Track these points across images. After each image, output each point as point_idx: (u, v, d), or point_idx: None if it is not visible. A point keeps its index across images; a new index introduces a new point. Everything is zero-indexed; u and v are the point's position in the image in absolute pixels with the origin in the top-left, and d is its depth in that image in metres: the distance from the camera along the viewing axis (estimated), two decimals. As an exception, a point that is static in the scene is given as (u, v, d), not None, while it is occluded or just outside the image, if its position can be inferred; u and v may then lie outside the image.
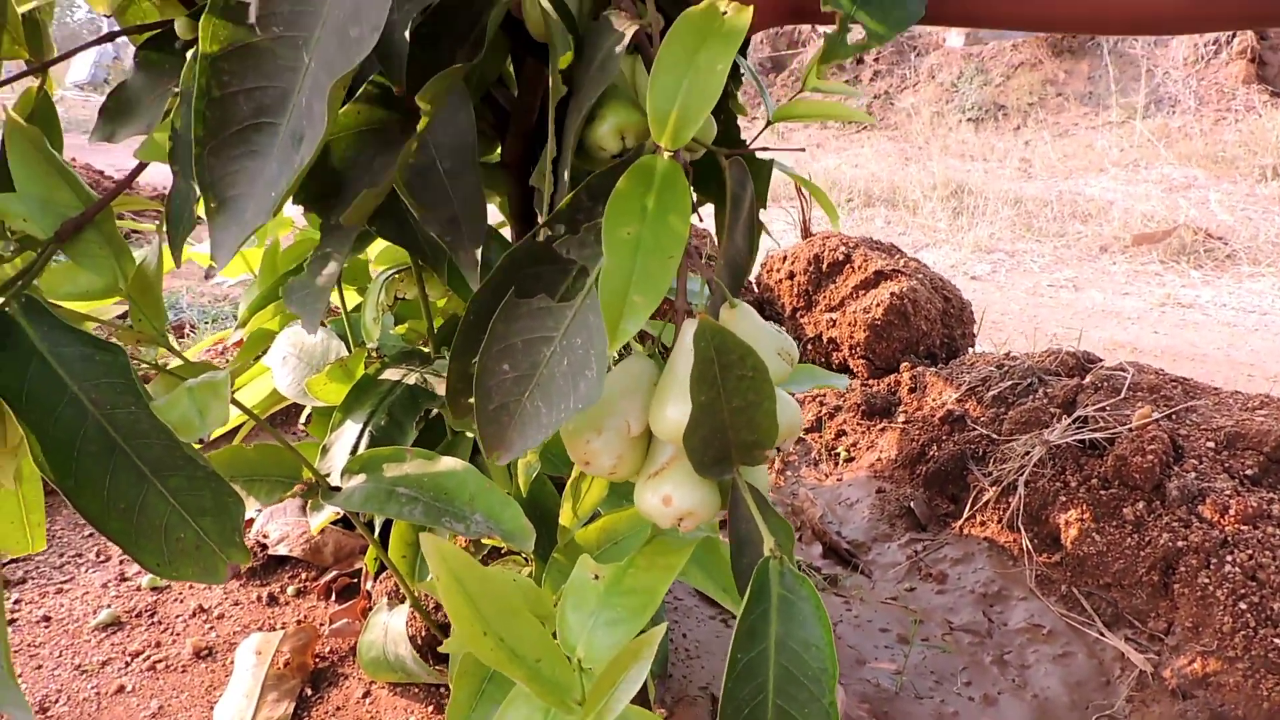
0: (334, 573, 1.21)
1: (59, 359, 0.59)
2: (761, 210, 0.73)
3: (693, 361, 0.39)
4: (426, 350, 1.03)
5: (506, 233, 1.00)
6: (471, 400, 0.47)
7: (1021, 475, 1.37)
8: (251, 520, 1.29)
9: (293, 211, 0.99)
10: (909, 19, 0.50)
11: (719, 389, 0.40)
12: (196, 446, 0.60)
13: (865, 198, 5.42)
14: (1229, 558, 1.12)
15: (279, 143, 0.43)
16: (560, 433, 0.46)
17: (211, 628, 1.13)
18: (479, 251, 0.61)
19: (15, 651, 1.06)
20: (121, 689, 1.02)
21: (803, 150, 0.69)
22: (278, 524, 1.27)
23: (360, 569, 1.21)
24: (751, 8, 0.43)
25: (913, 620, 1.23)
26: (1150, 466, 1.25)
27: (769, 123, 0.98)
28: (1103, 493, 1.27)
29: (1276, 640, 1.03)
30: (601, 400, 0.44)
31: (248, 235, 0.43)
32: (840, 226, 1.15)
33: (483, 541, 0.97)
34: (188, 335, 2.25)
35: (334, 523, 1.25)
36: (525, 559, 0.98)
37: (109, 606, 1.16)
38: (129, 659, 1.07)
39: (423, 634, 1.00)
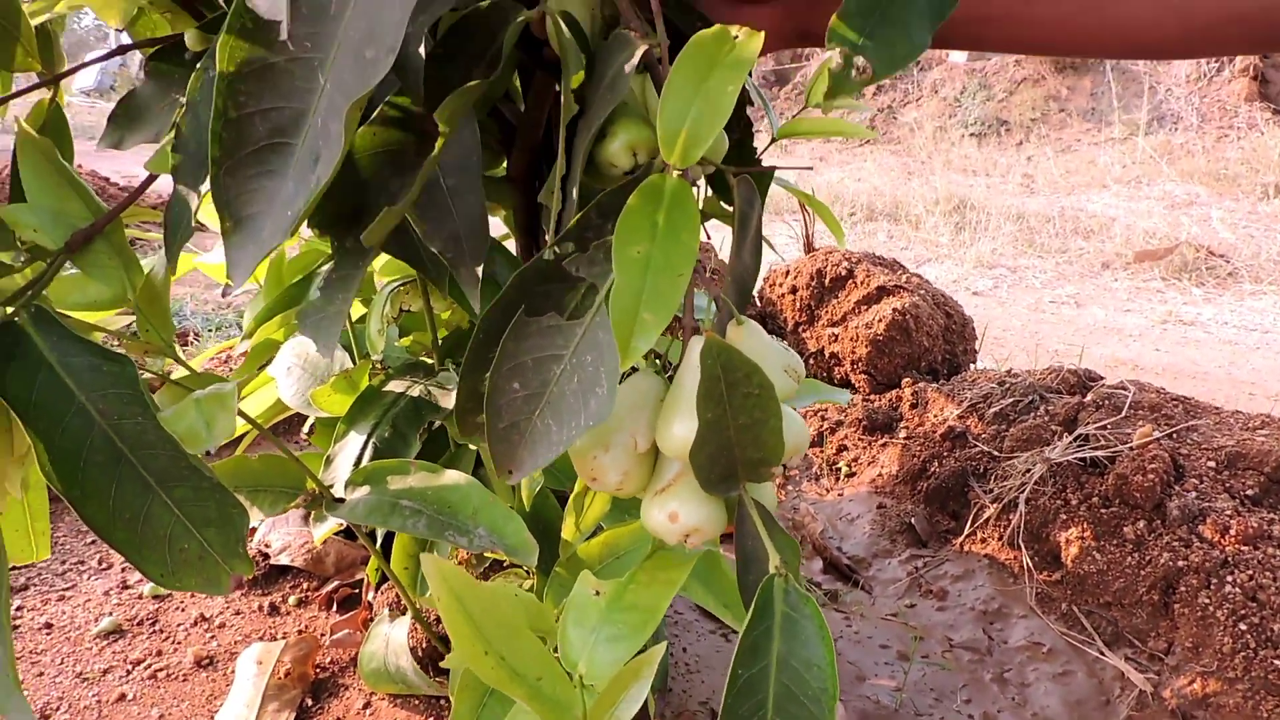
0: (335, 583, 1.21)
1: (67, 369, 0.59)
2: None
3: (699, 378, 0.39)
4: (430, 362, 1.03)
5: (509, 245, 1.00)
6: (480, 418, 0.47)
7: (1022, 493, 1.37)
8: (253, 530, 1.29)
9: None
10: (913, 53, 0.50)
11: (725, 406, 0.40)
12: (201, 456, 0.60)
13: (868, 212, 5.43)
14: (1229, 578, 1.12)
15: (295, 162, 0.43)
16: (569, 450, 0.46)
17: (213, 637, 1.13)
18: (480, 268, 0.62)
19: (18, 658, 1.07)
20: (123, 697, 1.02)
21: (810, 169, 0.70)
22: (280, 533, 1.27)
23: (362, 579, 1.21)
24: (762, 34, 0.44)
25: (913, 637, 1.23)
26: (1151, 485, 1.25)
27: (773, 139, 0.99)
28: (1103, 511, 1.28)
29: (1276, 662, 1.03)
30: (609, 417, 0.44)
31: (265, 254, 0.43)
32: (844, 241, 1.15)
33: (485, 554, 0.97)
34: (191, 343, 2.25)
35: (336, 533, 1.25)
36: (527, 572, 0.98)
37: (111, 614, 1.16)
38: (130, 667, 1.07)
39: (424, 645, 1.00)
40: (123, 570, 1.27)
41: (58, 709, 1.00)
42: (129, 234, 0.76)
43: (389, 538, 1.01)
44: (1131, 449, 1.32)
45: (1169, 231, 4.66)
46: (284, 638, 1.12)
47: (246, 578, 1.28)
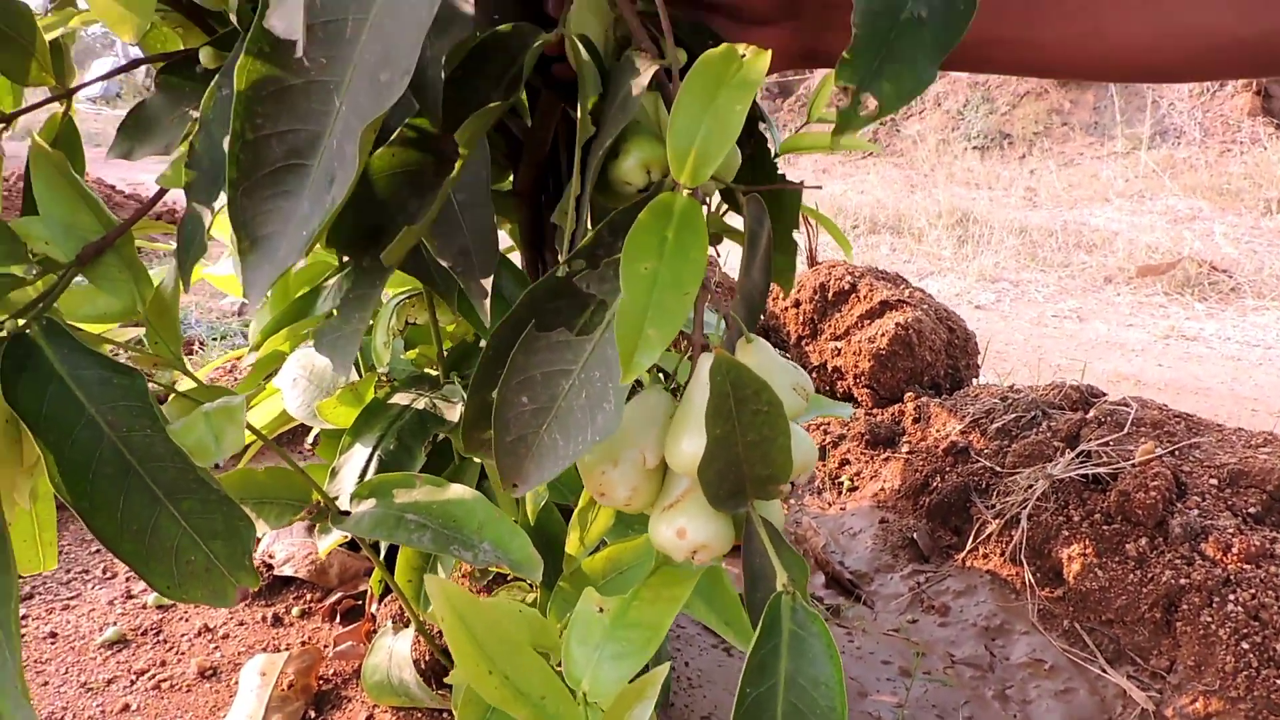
0: (339, 594, 1.22)
1: (77, 381, 0.60)
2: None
3: (709, 395, 0.39)
4: (435, 374, 1.04)
5: (514, 257, 1.01)
6: (487, 434, 0.48)
7: (1024, 509, 1.37)
8: (257, 540, 1.30)
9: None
10: (920, 87, 0.51)
11: (734, 423, 0.41)
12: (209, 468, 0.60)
13: (870, 225, 5.43)
14: (1231, 597, 1.12)
15: (311, 183, 0.43)
16: (578, 464, 0.46)
17: (216, 647, 1.13)
18: (489, 282, 0.62)
19: (23, 668, 1.07)
20: (126, 708, 1.02)
21: (819, 187, 0.70)
22: (283, 544, 1.27)
23: (365, 591, 1.21)
24: (769, 53, 0.44)
25: (915, 653, 1.24)
26: (1153, 503, 1.25)
27: (776, 154, 0.99)
28: (1105, 528, 1.28)
29: (1279, 681, 1.03)
30: (618, 432, 0.44)
31: (281, 273, 0.43)
32: (851, 255, 1.16)
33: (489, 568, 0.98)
34: (196, 352, 2.26)
35: (340, 545, 1.25)
36: (530, 585, 0.98)
37: (115, 624, 1.17)
38: (134, 677, 1.07)
39: (427, 658, 1.00)
40: (127, 580, 1.28)
41: (63, 719, 1.00)
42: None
43: (392, 550, 1.01)
44: (1134, 466, 1.32)
45: (1171, 246, 4.66)
46: (287, 649, 1.12)
47: (252, 590, 1.28)
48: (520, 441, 0.46)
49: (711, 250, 0.60)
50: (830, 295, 2.08)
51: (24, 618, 1.18)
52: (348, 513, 0.81)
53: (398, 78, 0.41)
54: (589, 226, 0.52)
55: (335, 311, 0.57)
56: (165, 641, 1.14)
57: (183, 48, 0.93)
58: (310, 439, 1.55)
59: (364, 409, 0.96)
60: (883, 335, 1.92)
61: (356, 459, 0.92)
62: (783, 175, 0.73)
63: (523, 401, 0.46)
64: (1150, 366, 3.01)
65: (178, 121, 0.73)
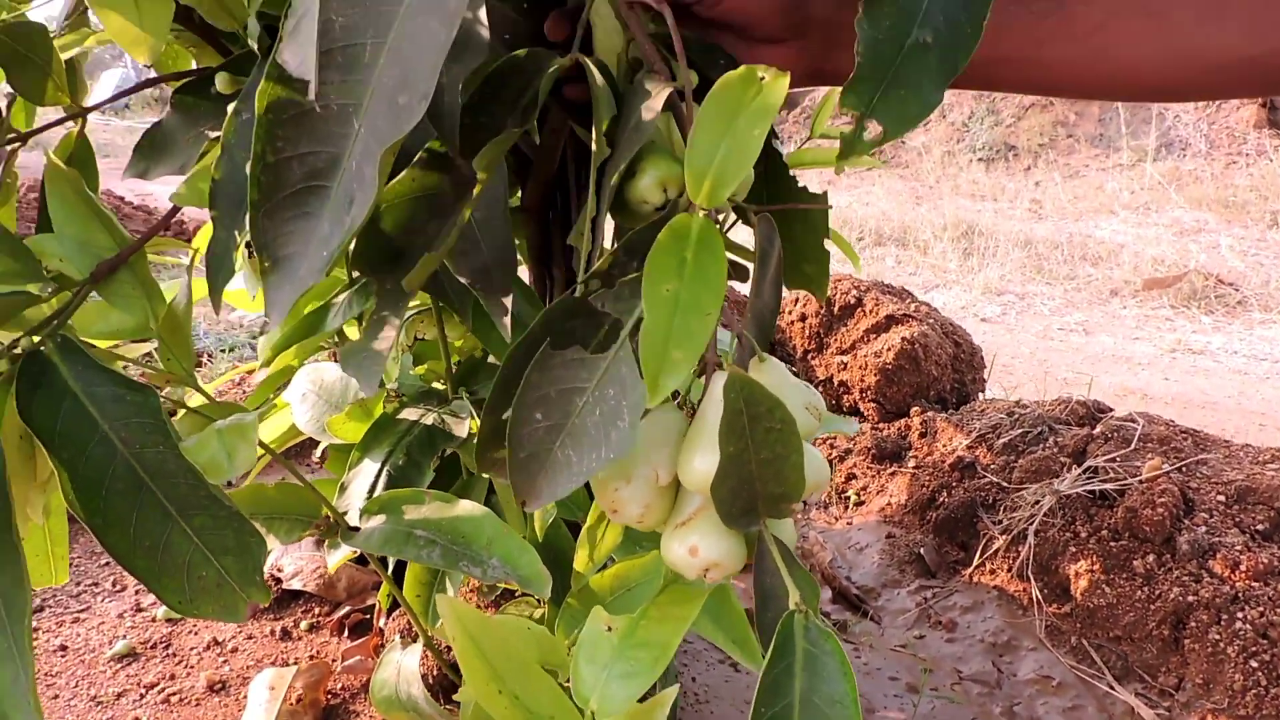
0: (347, 608, 1.22)
1: (91, 398, 0.60)
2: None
3: (722, 413, 0.39)
4: (444, 390, 1.04)
5: (521, 271, 1.01)
6: (501, 454, 0.48)
7: (1031, 524, 1.37)
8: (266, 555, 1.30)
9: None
10: (925, 112, 0.51)
11: (747, 440, 0.41)
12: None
13: (876, 237, 5.44)
14: (1240, 614, 1.12)
15: (331, 204, 0.44)
16: (591, 481, 0.47)
17: (225, 661, 1.14)
18: (510, 300, 0.63)
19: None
20: (134, 721, 1.03)
21: (830, 208, 0.70)
22: (292, 558, 1.28)
23: (373, 605, 1.21)
24: (788, 75, 0.44)
25: (922, 669, 1.23)
26: (1161, 519, 1.25)
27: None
28: (1113, 544, 1.28)
29: (1287, 699, 1.03)
30: (630, 450, 0.45)
31: (301, 293, 0.44)
32: (860, 268, 1.16)
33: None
34: (205, 364, 2.27)
35: (348, 559, 1.25)
36: (538, 600, 0.98)
37: (124, 637, 1.17)
38: (144, 691, 1.08)
39: (435, 673, 1.00)
40: (136, 593, 1.28)
41: (70, 732, 1.01)
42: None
43: (401, 564, 1.01)
44: (1141, 482, 1.32)
45: (1177, 259, 4.66)
46: (296, 663, 1.12)
47: (263, 605, 1.29)
48: (533, 458, 0.46)
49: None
50: (836, 309, 2.09)
51: (35, 630, 1.18)
52: (357, 528, 0.81)
53: (416, 101, 0.41)
54: (605, 247, 0.53)
55: (360, 333, 0.58)
56: (174, 655, 1.14)
57: (194, 65, 0.94)
58: (318, 452, 1.56)
59: (373, 424, 0.96)
60: (889, 350, 1.92)
61: (365, 474, 0.93)
62: (804, 188, 0.73)
63: (536, 419, 0.46)
64: (1157, 380, 3.01)
65: (193, 141, 0.74)
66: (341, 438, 1.00)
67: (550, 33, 0.58)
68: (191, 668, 1.13)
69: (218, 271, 0.62)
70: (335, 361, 1.10)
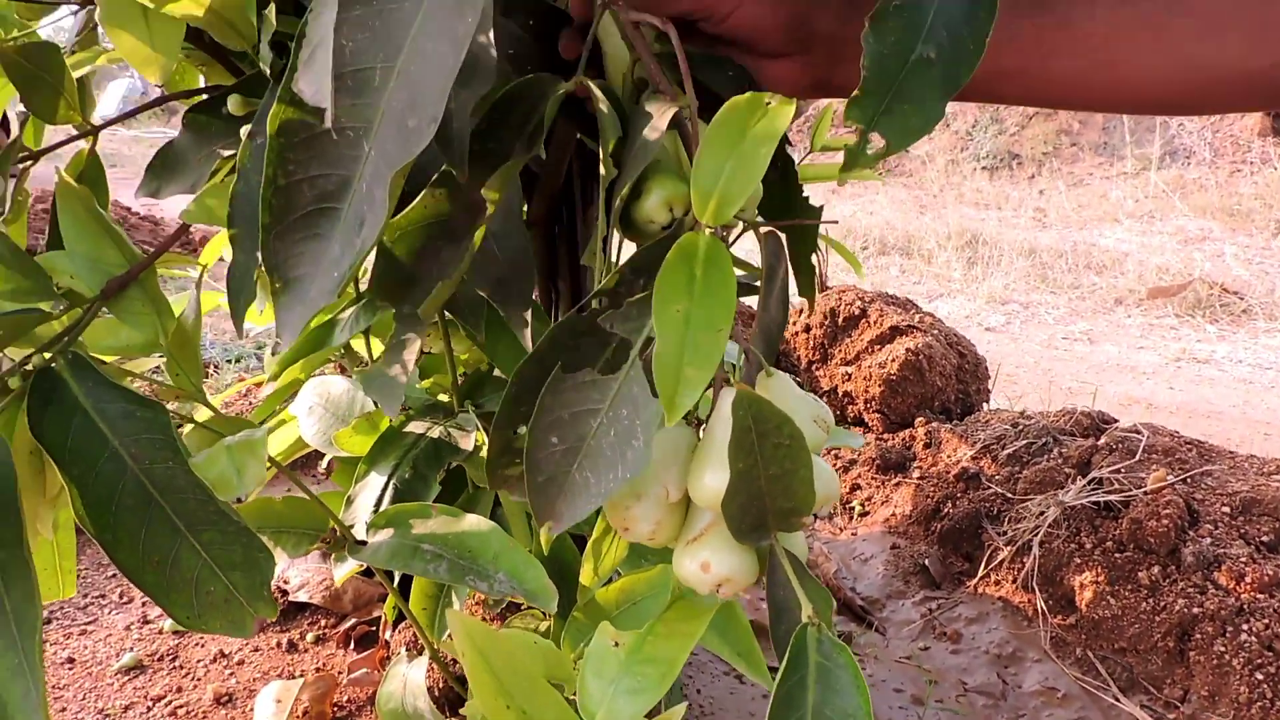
0: (353, 620, 1.22)
1: (102, 415, 0.61)
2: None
3: (731, 430, 0.40)
4: (450, 403, 1.04)
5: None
6: (511, 471, 0.49)
7: (1036, 535, 1.37)
8: (271, 565, 1.30)
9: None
10: (929, 125, 0.51)
11: (757, 456, 0.41)
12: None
13: (880, 246, 5.44)
14: (1245, 626, 1.12)
15: (341, 226, 0.44)
16: (601, 500, 0.47)
17: (232, 674, 1.14)
18: (529, 312, 0.63)
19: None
20: (141, 733, 1.03)
21: (835, 223, 0.71)
22: (298, 570, 1.28)
23: (379, 617, 1.22)
24: (794, 103, 0.45)
25: (927, 681, 1.23)
26: (1165, 531, 1.25)
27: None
28: (1118, 556, 1.28)
29: (1293, 712, 1.03)
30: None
31: (313, 314, 0.44)
32: (863, 275, 1.17)
33: (502, 595, 0.98)
34: (211, 375, 2.28)
35: (355, 571, 1.26)
36: (543, 613, 0.99)
37: (132, 650, 1.17)
38: (151, 703, 1.08)
39: (441, 685, 1.01)
40: (143, 605, 1.29)
41: (78, 744, 1.01)
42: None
43: (407, 577, 1.01)
44: (1145, 493, 1.32)
45: (1182, 267, 4.65)
46: (302, 675, 1.13)
47: (270, 620, 1.29)
48: (552, 482, 0.46)
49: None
50: (841, 320, 2.09)
51: (42, 642, 1.18)
52: (364, 542, 0.81)
53: (425, 124, 0.42)
54: (613, 265, 0.53)
55: (381, 356, 0.59)
56: (181, 667, 1.15)
57: (203, 82, 0.95)
58: (324, 464, 1.56)
59: (379, 437, 0.97)
60: (893, 360, 1.92)
61: (372, 487, 0.93)
62: (807, 198, 0.74)
63: (553, 442, 0.46)
64: (1162, 390, 3.01)
65: (204, 160, 0.74)
66: (349, 451, 1.00)
67: (564, 52, 0.59)
68: (198, 680, 1.13)
69: (239, 295, 0.62)
70: (342, 374, 1.10)
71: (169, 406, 0.72)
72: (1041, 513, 1.40)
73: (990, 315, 4.08)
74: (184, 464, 0.60)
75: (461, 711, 0.97)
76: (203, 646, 1.20)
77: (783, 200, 0.69)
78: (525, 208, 0.93)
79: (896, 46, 0.51)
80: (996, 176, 7.42)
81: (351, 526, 0.85)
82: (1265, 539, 1.24)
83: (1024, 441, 1.59)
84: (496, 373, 1.03)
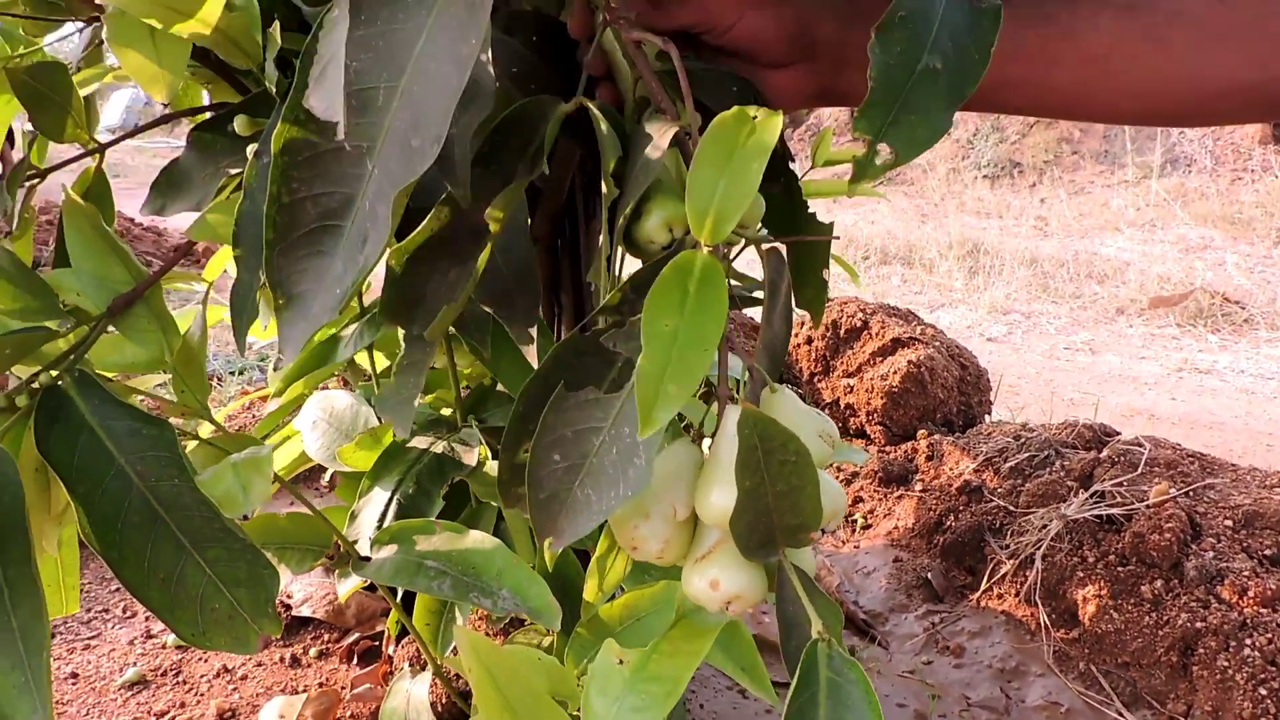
0: (356, 635, 1.22)
1: (108, 432, 0.61)
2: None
3: (737, 448, 0.40)
4: (453, 417, 1.05)
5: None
6: (522, 490, 0.49)
7: (1039, 549, 1.37)
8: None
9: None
10: (935, 136, 0.52)
11: (763, 474, 0.41)
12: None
13: (882, 255, 5.44)
14: (1248, 641, 1.11)
15: (344, 243, 0.45)
16: (609, 520, 0.47)
17: (235, 689, 1.14)
18: (534, 328, 0.64)
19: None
20: (145, 749, 1.03)
21: (837, 238, 0.71)
22: (301, 584, 1.28)
23: (382, 632, 1.22)
24: (780, 115, 0.45)
25: (930, 695, 1.23)
26: (1168, 545, 1.25)
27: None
28: (1120, 569, 1.28)
29: (1297, 727, 1.03)
30: (648, 486, 0.45)
31: (315, 330, 0.45)
32: (859, 283, 1.18)
33: (506, 611, 0.98)
34: (214, 386, 2.28)
35: (359, 586, 1.26)
36: (547, 629, 0.99)
37: (135, 664, 1.17)
38: (154, 719, 1.08)
39: (444, 701, 1.01)
40: (146, 619, 1.29)
41: (82, 760, 1.01)
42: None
43: (410, 592, 1.01)
44: (1148, 507, 1.32)
45: (1183, 276, 4.65)
46: (305, 690, 1.13)
47: (275, 637, 1.29)
48: (554, 499, 0.47)
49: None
50: (842, 332, 2.09)
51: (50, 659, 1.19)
52: (368, 558, 0.81)
53: (429, 144, 0.42)
54: (619, 280, 0.53)
55: (392, 376, 0.59)
56: (184, 682, 1.15)
57: (207, 98, 0.95)
58: (326, 477, 1.57)
59: (383, 453, 0.97)
60: (895, 373, 1.92)
61: (376, 502, 0.93)
62: (813, 214, 0.74)
63: (555, 459, 0.47)
64: (1164, 400, 3.01)
65: (210, 178, 0.75)
66: (352, 466, 1.00)
67: (589, 69, 0.60)
68: (201, 696, 1.13)
69: (241, 313, 0.63)
70: (345, 389, 1.11)
71: (174, 422, 0.73)
72: (1044, 526, 1.40)
73: (992, 325, 4.08)
74: (189, 481, 0.60)
75: (465, 728, 0.97)
76: (206, 662, 1.20)
77: (787, 214, 0.69)
78: (529, 222, 0.94)
79: (902, 57, 0.51)
80: (998, 185, 7.43)
81: (355, 542, 0.85)
82: (1268, 553, 1.24)
83: (1026, 454, 1.59)
84: (500, 388, 1.04)
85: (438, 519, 0.81)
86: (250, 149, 0.65)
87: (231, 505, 0.64)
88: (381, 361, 1.14)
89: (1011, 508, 1.50)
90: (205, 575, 0.61)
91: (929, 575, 1.49)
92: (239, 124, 0.68)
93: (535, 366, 0.62)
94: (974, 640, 1.35)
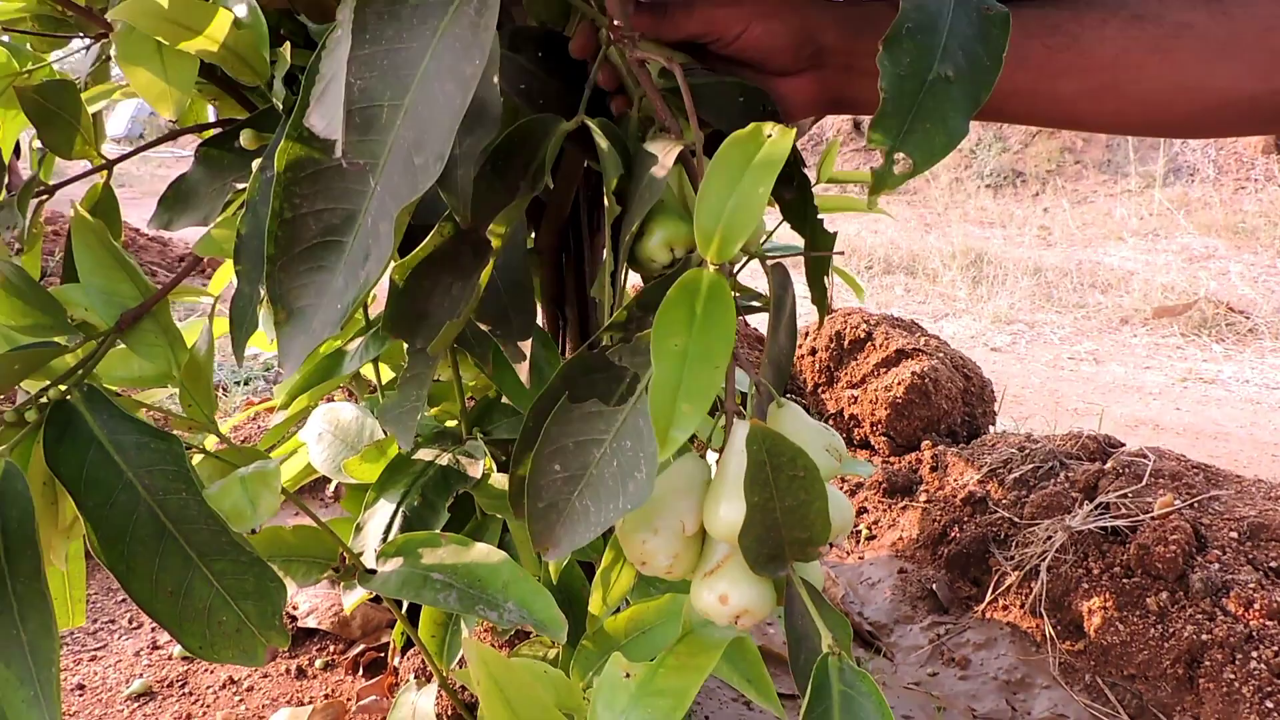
0: (362, 646, 1.22)
1: (117, 446, 0.61)
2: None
3: (746, 464, 0.40)
4: (458, 429, 1.05)
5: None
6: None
7: (1043, 560, 1.37)
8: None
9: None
10: (952, 144, 0.52)
11: (772, 489, 0.41)
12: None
13: (885, 265, 5.44)
14: (1254, 653, 1.11)
15: (346, 259, 0.45)
16: (617, 533, 0.47)
17: (241, 700, 1.14)
18: (528, 345, 0.64)
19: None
20: (151, 761, 1.04)
21: (841, 253, 0.72)
22: (306, 596, 1.28)
23: (388, 643, 1.22)
24: (793, 132, 0.45)
25: (936, 707, 1.23)
26: (1173, 556, 1.25)
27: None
28: (1125, 581, 1.27)
29: (1304, 739, 1.03)
30: (656, 501, 0.45)
31: (315, 345, 0.45)
32: (863, 297, 1.18)
33: (511, 624, 0.98)
34: (220, 397, 2.29)
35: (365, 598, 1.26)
36: (552, 641, 0.99)
37: (141, 676, 1.18)
38: (159, 731, 1.09)
39: (449, 713, 1.01)
40: (152, 630, 1.29)
41: (88, 772, 1.02)
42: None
43: (415, 603, 1.01)
44: (1153, 518, 1.32)
45: (1187, 286, 4.64)
46: (310, 702, 1.13)
47: (282, 649, 1.30)
48: (552, 508, 0.47)
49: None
50: (846, 343, 2.09)
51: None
52: (374, 570, 0.82)
53: (432, 162, 0.42)
54: (622, 302, 0.54)
55: (396, 389, 0.59)
56: (191, 694, 1.15)
57: (212, 114, 0.96)
58: (331, 488, 1.57)
59: (388, 465, 0.97)
60: (899, 384, 1.93)
61: (381, 515, 0.94)
62: (820, 221, 0.74)
63: (555, 469, 0.47)
64: (1168, 410, 3.00)
65: (217, 193, 0.75)
66: (357, 478, 1.01)
67: (604, 83, 0.60)
68: (208, 707, 1.13)
69: (240, 325, 0.63)
70: (350, 401, 1.11)
71: (179, 435, 0.73)
72: (1049, 537, 1.40)
73: (996, 335, 4.08)
74: (197, 495, 0.61)
75: (470, 740, 0.97)
76: (212, 673, 1.20)
77: (800, 218, 0.69)
78: (533, 235, 0.94)
79: (912, 67, 0.51)
80: (1001, 194, 7.43)
81: (361, 554, 0.86)
82: (1273, 565, 1.24)
83: (1030, 465, 1.59)
84: (505, 400, 1.04)
85: (443, 531, 0.81)
86: (256, 164, 0.65)
87: (240, 519, 0.64)
88: (387, 374, 1.15)
89: (1016, 519, 1.50)
90: (213, 588, 0.62)
91: (934, 586, 1.49)
92: (245, 139, 0.69)
93: (526, 384, 0.62)
94: (979, 652, 1.34)
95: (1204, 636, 1.16)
